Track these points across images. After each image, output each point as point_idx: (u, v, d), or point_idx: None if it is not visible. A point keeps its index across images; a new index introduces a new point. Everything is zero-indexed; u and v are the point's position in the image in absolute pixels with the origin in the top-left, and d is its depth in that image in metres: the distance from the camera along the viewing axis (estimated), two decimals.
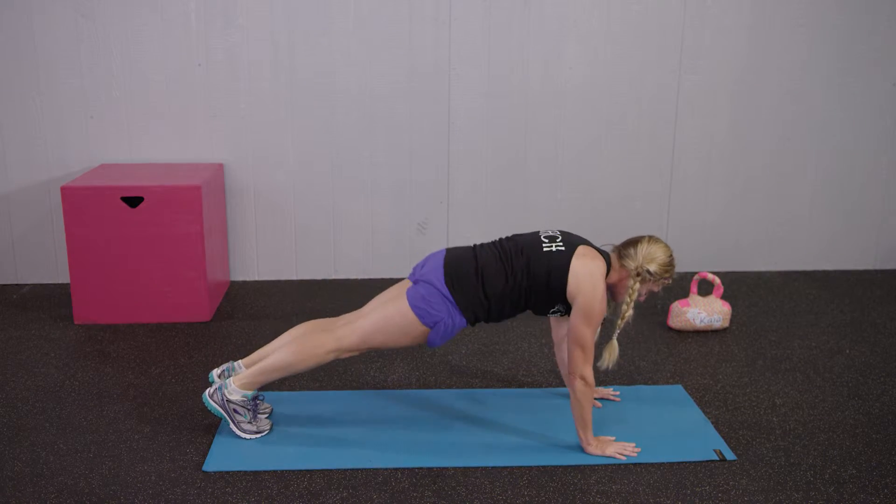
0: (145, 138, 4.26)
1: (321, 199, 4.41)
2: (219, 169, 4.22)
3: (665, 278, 2.76)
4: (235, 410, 2.83)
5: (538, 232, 2.85)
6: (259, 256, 4.47)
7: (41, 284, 4.38)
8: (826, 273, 4.69)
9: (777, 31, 4.38)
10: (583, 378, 2.71)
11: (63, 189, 3.72)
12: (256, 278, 4.50)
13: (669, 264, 2.75)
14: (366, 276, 4.54)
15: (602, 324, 2.82)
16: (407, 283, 2.84)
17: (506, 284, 2.73)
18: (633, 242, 2.77)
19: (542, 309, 2.81)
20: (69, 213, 3.73)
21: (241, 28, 4.17)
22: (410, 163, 4.40)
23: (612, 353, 2.81)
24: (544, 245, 2.76)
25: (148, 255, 3.80)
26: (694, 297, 3.84)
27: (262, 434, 2.86)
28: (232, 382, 2.82)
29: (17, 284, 4.38)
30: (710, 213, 4.59)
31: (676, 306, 3.81)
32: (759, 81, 4.43)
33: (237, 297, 4.24)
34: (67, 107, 4.19)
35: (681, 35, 4.34)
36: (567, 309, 2.79)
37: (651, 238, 2.77)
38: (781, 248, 4.69)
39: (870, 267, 4.76)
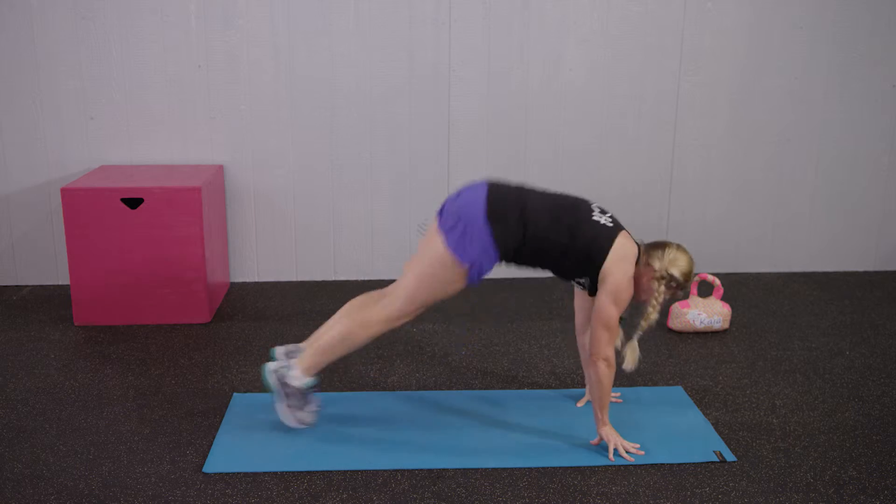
0: (145, 140, 4.27)
1: (321, 200, 4.41)
2: (219, 170, 4.22)
3: (681, 288, 2.77)
4: (289, 395, 2.85)
5: (588, 200, 2.82)
6: (259, 258, 4.47)
7: (41, 286, 4.38)
8: (826, 274, 4.69)
9: (777, 33, 4.38)
10: (606, 360, 2.71)
11: (63, 190, 3.72)
12: (256, 279, 4.50)
13: (689, 274, 2.76)
14: (366, 278, 4.54)
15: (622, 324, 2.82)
16: (435, 233, 2.75)
17: (548, 229, 2.69)
18: (662, 245, 2.77)
19: (570, 273, 2.78)
20: (69, 214, 3.73)
21: (241, 29, 4.17)
22: (410, 164, 4.40)
23: (633, 353, 2.79)
24: (594, 213, 2.75)
25: (148, 257, 3.80)
26: (694, 299, 3.84)
27: (304, 426, 2.89)
28: (297, 367, 2.84)
29: (17, 286, 4.38)
30: (710, 214, 4.59)
31: (676, 307, 3.81)
32: (759, 83, 4.44)
33: (237, 299, 4.24)
34: (67, 108, 4.20)
35: (680, 36, 4.35)
36: (591, 284, 2.77)
37: (679, 246, 2.78)
38: (781, 250, 4.69)
39: (870, 268, 4.76)
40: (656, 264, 2.73)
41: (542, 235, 2.70)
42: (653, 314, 2.75)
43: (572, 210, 2.74)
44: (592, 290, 2.81)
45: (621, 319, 2.81)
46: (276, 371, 2.85)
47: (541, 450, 2.81)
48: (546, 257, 2.76)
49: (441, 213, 2.78)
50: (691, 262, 2.78)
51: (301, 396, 2.87)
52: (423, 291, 2.76)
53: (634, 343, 2.79)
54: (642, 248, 2.81)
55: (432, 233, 2.77)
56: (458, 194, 2.78)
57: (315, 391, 2.95)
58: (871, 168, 4.60)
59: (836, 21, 4.38)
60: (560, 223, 2.71)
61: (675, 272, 2.72)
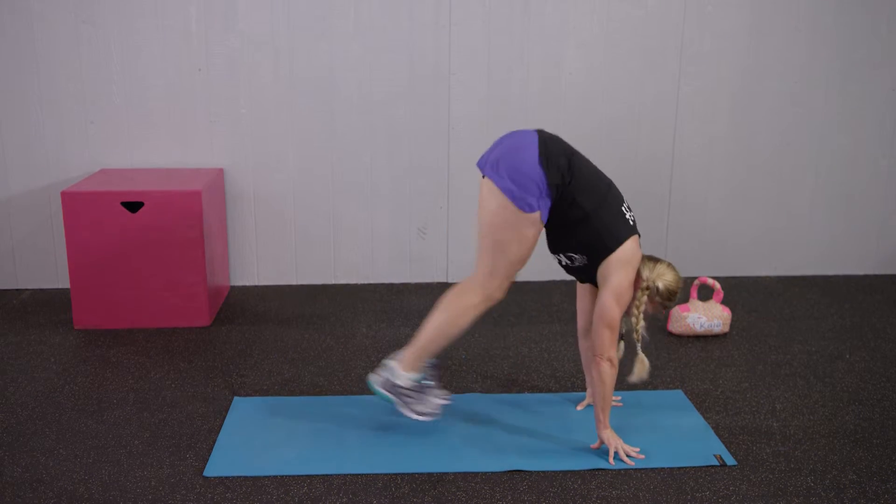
0: (145, 143, 4.27)
1: (321, 203, 4.42)
2: (219, 174, 4.23)
3: (666, 302, 2.77)
4: (404, 395, 2.86)
5: (620, 194, 2.82)
6: (259, 261, 4.48)
7: (41, 289, 4.38)
8: (826, 278, 4.69)
9: (777, 36, 4.38)
10: (609, 360, 2.72)
11: (63, 194, 3.72)
12: (256, 283, 4.50)
13: (675, 291, 2.77)
14: (366, 281, 4.54)
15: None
16: (489, 192, 2.71)
17: (582, 190, 2.68)
18: (655, 259, 2.80)
19: (569, 245, 2.75)
20: (69, 217, 3.73)
21: (241, 33, 4.18)
22: (410, 167, 4.40)
23: (643, 365, 2.80)
24: (623, 204, 2.76)
25: (148, 260, 3.80)
26: (694, 302, 3.84)
27: (435, 416, 2.89)
28: (397, 367, 2.85)
29: (16, 289, 4.38)
30: (710, 218, 4.59)
31: (676, 311, 3.81)
32: (759, 86, 4.44)
33: (237, 302, 4.24)
34: (68, 112, 4.20)
35: (680, 39, 4.35)
36: (586, 267, 2.77)
37: (671, 265, 2.80)
38: (781, 253, 4.69)
39: (870, 272, 4.76)
40: (645, 273, 2.75)
41: (573, 194, 2.67)
42: (637, 323, 2.76)
43: (607, 189, 2.75)
44: (582, 273, 2.81)
45: (620, 337, 2.83)
46: (381, 383, 2.87)
47: (541, 453, 2.81)
48: (566, 217, 2.71)
49: (485, 166, 2.74)
50: (678, 280, 2.78)
51: (416, 389, 2.87)
52: (506, 255, 2.72)
53: (642, 355, 2.80)
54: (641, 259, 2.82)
55: (485, 192, 2.72)
56: (501, 142, 2.75)
57: (432, 375, 2.93)
58: (870, 171, 4.61)
59: (835, 24, 4.38)
60: (600, 189, 2.72)
61: (660, 285, 2.74)
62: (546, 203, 2.67)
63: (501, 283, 2.78)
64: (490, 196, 2.70)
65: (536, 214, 2.67)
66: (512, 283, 2.81)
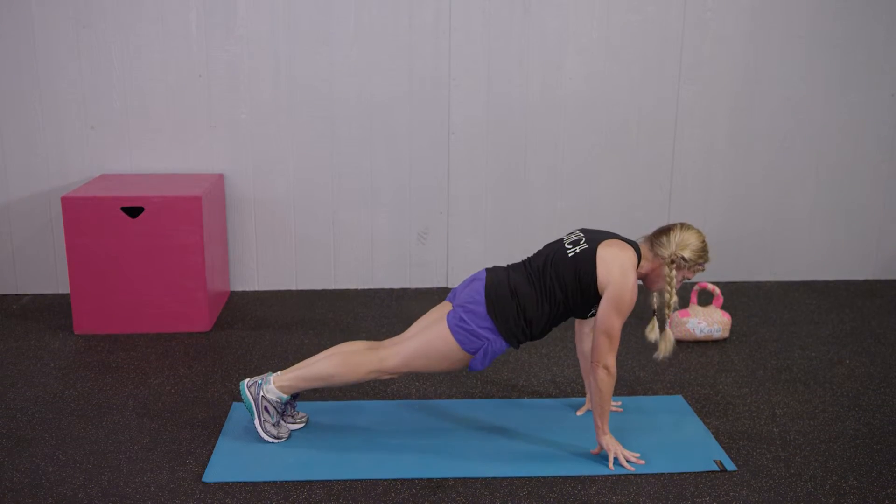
0: (146, 149, 4.27)
1: (321, 209, 4.42)
2: (219, 179, 4.23)
3: (699, 264, 2.77)
4: (266, 409, 2.86)
5: (562, 238, 2.85)
6: (259, 266, 4.48)
7: (41, 295, 4.38)
8: (826, 283, 4.69)
9: (776, 42, 4.39)
10: (606, 367, 2.71)
11: (63, 199, 3.72)
12: (256, 288, 4.50)
13: (703, 249, 2.76)
14: (366, 287, 4.54)
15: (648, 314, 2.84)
16: (447, 306, 2.83)
17: (542, 306, 2.74)
18: (665, 230, 2.78)
19: (582, 313, 2.81)
20: (69, 223, 3.73)
21: (241, 39, 4.18)
22: (410, 172, 4.41)
23: (667, 342, 2.81)
24: (568, 251, 2.76)
25: (148, 266, 3.80)
26: (694, 308, 3.84)
27: (280, 441, 2.88)
28: (272, 381, 2.85)
29: (16, 295, 4.38)
30: (710, 223, 4.59)
31: (676, 316, 3.81)
32: (759, 92, 4.44)
33: (237, 308, 4.24)
34: (68, 117, 4.20)
35: (680, 45, 4.36)
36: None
37: (683, 225, 2.78)
38: (781, 258, 4.69)
39: (869, 277, 4.76)
40: (665, 252, 2.74)
41: (539, 314, 2.74)
42: (672, 298, 2.75)
43: (549, 264, 2.77)
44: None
45: (653, 313, 2.84)
46: (250, 386, 2.87)
47: (541, 459, 2.81)
48: (558, 318, 2.80)
49: (451, 297, 2.85)
50: (700, 235, 2.77)
51: (278, 408, 2.88)
52: (422, 360, 2.79)
53: (668, 332, 2.80)
54: (644, 244, 2.81)
55: (444, 311, 2.81)
56: (465, 285, 2.84)
57: (291, 400, 2.95)
58: (870, 177, 4.61)
59: (835, 30, 4.39)
60: (546, 287, 2.75)
61: (686, 253, 2.72)
62: (498, 346, 2.75)
63: (401, 371, 2.82)
64: (444, 324, 2.76)
65: (469, 357, 2.76)
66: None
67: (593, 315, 2.81)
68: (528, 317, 2.74)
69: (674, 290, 2.75)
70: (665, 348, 2.82)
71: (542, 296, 2.74)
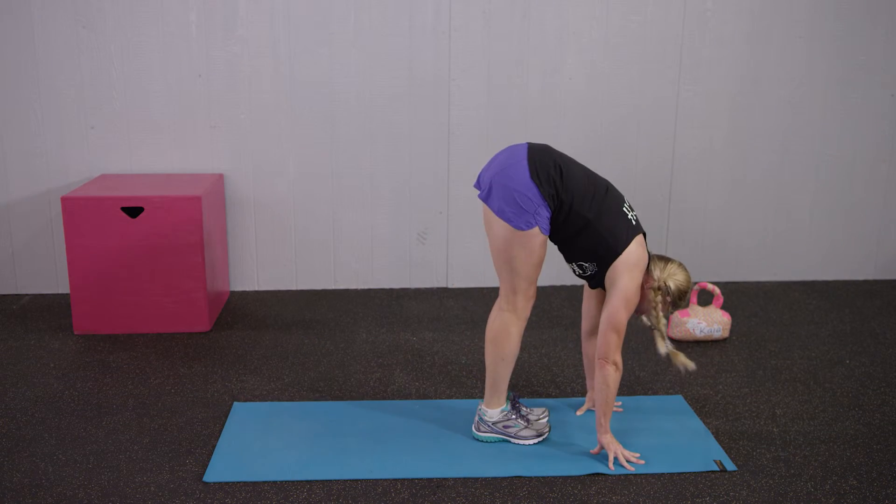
0: (145, 149, 4.27)
1: (321, 209, 4.42)
2: (219, 179, 4.23)
3: (677, 301, 2.81)
4: (506, 427, 2.91)
5: (624, 198, 2.83)
6: (259, 267, 4.48)
7: (41, 295, 4.38)
8: (826, 283, 4.69)
9: (776, 42, 4.39)
10: (615, 364, 2.73)
11: (63, 199, 3.72)
12: (256, 288, 4.50)
13: (685, 290, 2.81)
14: (366, 287, 4.54)
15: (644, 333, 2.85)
16: (489, 215, 2.74)
17: (581, 200, 2.69)
18: (666, 259, 2.83)
19: (577, 255, 2.78)
20: (69, 223, 3.74)
21: (241, 39, 4.18)
22: (410, 173, 4.41)
23: (680, 358, 2.87)
24: (624, 205, 2.77)
25: (148, 266, 3.80)
26: (694, 308, 3.84)
27: (544, 437, 2.93)
28: (484, 408, 2.92)
29: (16, 295, 4.38)
30: (710, 224, 4.59)
31: (676, 316, 3.81)
32: (758, 92, 4.44)
33: (237, 308, 4.24)
34: (68, 117, 4.20)
35: (680, 46, 4.36)
36: (597, 273, 2.78)
37: (682, 264, 2.84)
38: (781, 258, 4.69)
39: (870, 277, 4.76)
40: (656, 273, 2.79)
41: (570, 204, 2.69)
42: (660, 321, 2.81)
43: (605, 192, 2.75)
44: (594, 280, 2.82)
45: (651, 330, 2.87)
46: (478, 428, 2.93)
47: (540, 458, 2.81)
48: (567, 227, 2.73)
49: (480, 190, 2.77)
50: (688, 280, 2.83)
51: (511, 415, 2.92)
52: (516, 274, 2.75)
53: (678, 353, 2.87)
54: (650, 258, 2.83)
55: (486, 216, 2.76)
56: (492, 162, 2.77)
57: (512, 397, 2.98)
58: (870, 177, 4.61)
59: (835, 30, 4.39)
60: (590, 197, 2.71)
61: (672, 284, 2.78)
62: (544, 215, 2.68)
63: (525, 295, 2.80)
64: (490, 219, 2.74)
65: (535, 229, 2.69)
66: (536, 288, 2.82)
67: (582, 268, 2.80)
68: (567, 193, 2.67)
69: (660, 315, 2.80)
70: (684, 361, 2.88)
71: (584, 194, 2.69)
